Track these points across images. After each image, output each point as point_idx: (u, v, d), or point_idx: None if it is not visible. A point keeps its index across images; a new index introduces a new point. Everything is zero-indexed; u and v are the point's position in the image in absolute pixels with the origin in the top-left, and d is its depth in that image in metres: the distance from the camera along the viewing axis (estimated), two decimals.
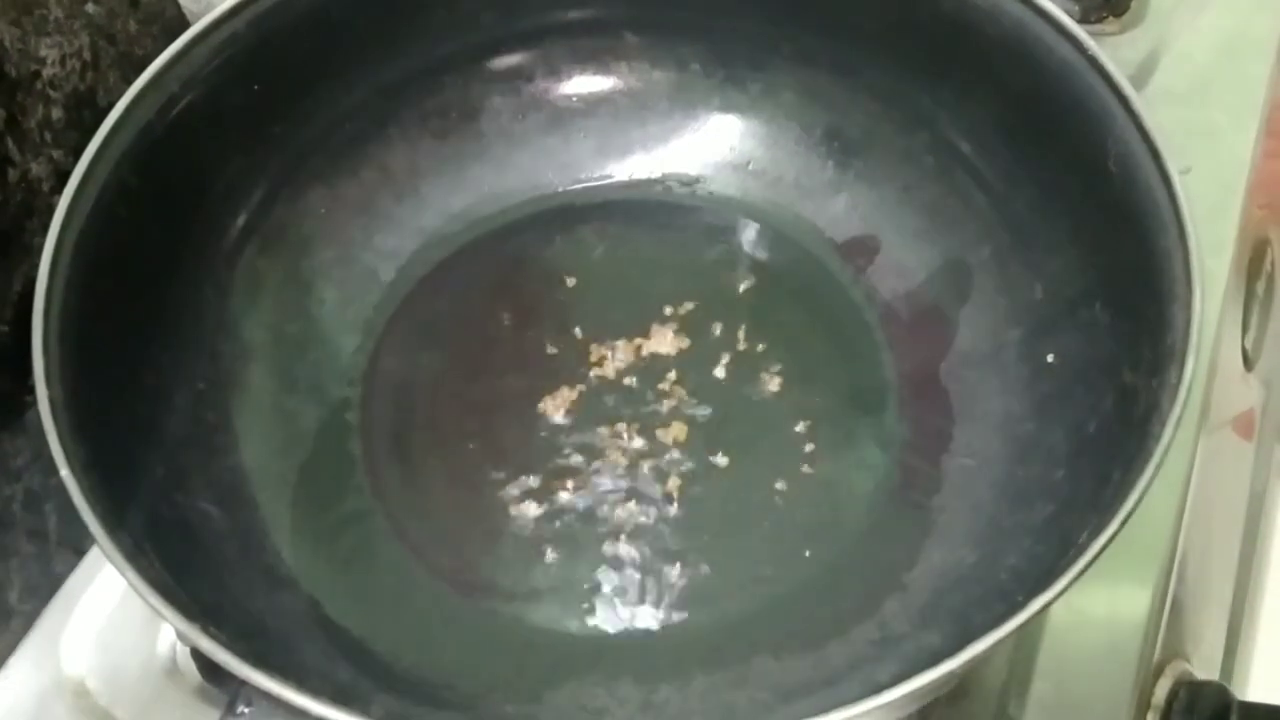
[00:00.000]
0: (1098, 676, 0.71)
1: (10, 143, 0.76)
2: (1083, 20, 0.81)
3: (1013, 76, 0.74)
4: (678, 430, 0.76)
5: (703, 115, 0.87)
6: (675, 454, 0.75)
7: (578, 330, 0.81)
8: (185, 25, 0.88)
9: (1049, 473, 0.67)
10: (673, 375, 0.78)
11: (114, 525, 0.58)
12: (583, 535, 0.73)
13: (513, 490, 0.75)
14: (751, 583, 0.71)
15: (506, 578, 0.72)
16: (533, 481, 0.75)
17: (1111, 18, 1.00)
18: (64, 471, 0.59)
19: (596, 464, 0.75)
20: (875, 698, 0.53)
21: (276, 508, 0.73)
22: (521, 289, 0.84)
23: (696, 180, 0.87)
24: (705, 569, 0.72)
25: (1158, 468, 0.58)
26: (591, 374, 0.79)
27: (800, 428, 0.76)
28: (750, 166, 0.87)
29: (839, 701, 0.53)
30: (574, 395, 0.78)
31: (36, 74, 0.78)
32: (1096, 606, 0.73)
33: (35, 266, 0.64)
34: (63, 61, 0.80)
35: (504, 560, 0.73)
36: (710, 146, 0.87)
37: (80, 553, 0.77)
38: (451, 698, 0.67)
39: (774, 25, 0.82)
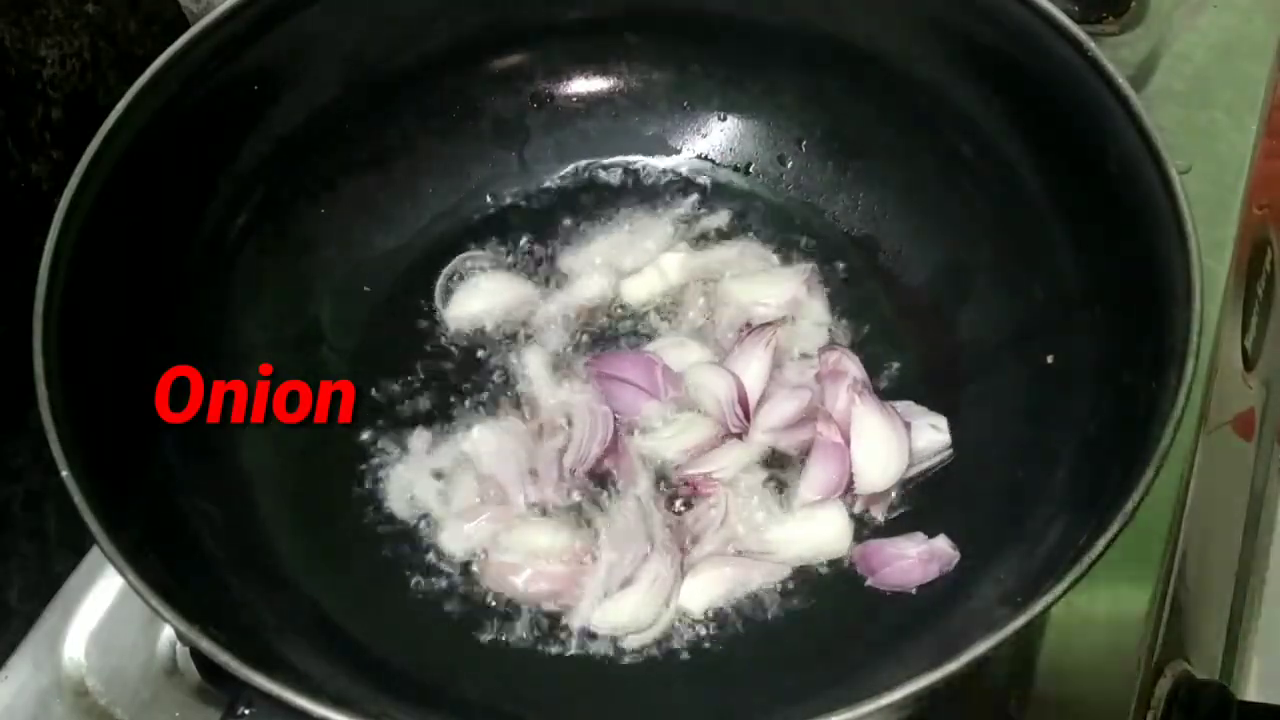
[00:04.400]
0: (1098, 676, 0.71)
1: (10, 143, 0.76)
2: (1083, 20, 0.81)
3: (1012, 77, 0.74)
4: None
5: (703, 115, 0.87)
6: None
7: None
8: (185, 25, 0.88)
9: (1049, 473, 0.67)
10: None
11: (114, 526, 0.58)
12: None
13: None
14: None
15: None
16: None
17: (1111, 18, 1.00)
18: (64, 472, 0.59)
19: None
20: (876, 698, 0.53)
21: (277, 509, 0.73)
22: None
23: (697, 180, 0.87)
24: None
25: (1158, 470, 0.58)
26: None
27: None
28: (751, 167, 0.87)
29: (840, 702, 0.54)
30: None
31: (36, 74, 0.78)
32: (1096, 606, 0.73)
33: (35, 266, 0.64)
34: (63, 61, 0.80)
35: None
36: (710, 147, 0.87)
37: (80, 553, 0.78)
38: (449, 702, 0.67)
39: (774, 27, 0.82)
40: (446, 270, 0.82)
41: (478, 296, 0.81)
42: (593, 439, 0.74)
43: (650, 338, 0.80)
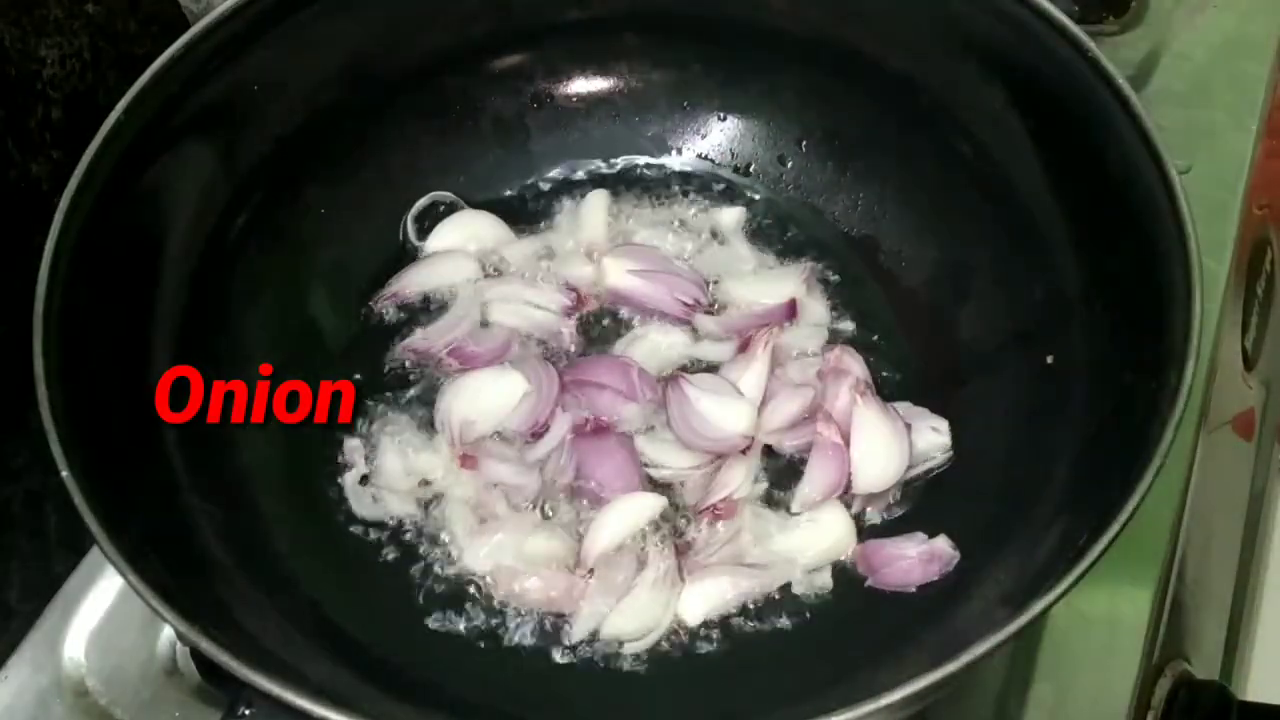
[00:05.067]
0: (1098, 676, 0.71)
1: (10, 143, 0.76)
2: (1083, 20, 0.81)
3: (1012, 77, 0.74)
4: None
5: (703, 115, 0.87)
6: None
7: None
8: (185, 25, 0.88)
9: (1049, 474, 0.67)
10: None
11: (114, 527, 0.58)
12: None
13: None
14: None
15: None
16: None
17: (1111, 18, 1.00)
18: (64, 473, 0.59)
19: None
20: (876, 699, 0.53)
21: (277, 509, 0.73)
22: None
23: (697, 181, 0.87)
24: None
25: (1158, 471, 0.58)
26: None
27: None
28: (751, 167, 0.87)
29: (840, 702, 0.54)
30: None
31: (36, 74, 0.78)
32: (1096, 606, 0.73)
33: (35, 266, 0.64)
34: (63, 61, 0.80)
35: None
36: (710, 147, 0.87)
37: (80, 553, 0.77)
38: (449, 702, 0.67)
39: (775, 27, 0.82)
40: (416, 208, 0.85)
41: (455, 229, 0.84)
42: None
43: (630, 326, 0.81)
